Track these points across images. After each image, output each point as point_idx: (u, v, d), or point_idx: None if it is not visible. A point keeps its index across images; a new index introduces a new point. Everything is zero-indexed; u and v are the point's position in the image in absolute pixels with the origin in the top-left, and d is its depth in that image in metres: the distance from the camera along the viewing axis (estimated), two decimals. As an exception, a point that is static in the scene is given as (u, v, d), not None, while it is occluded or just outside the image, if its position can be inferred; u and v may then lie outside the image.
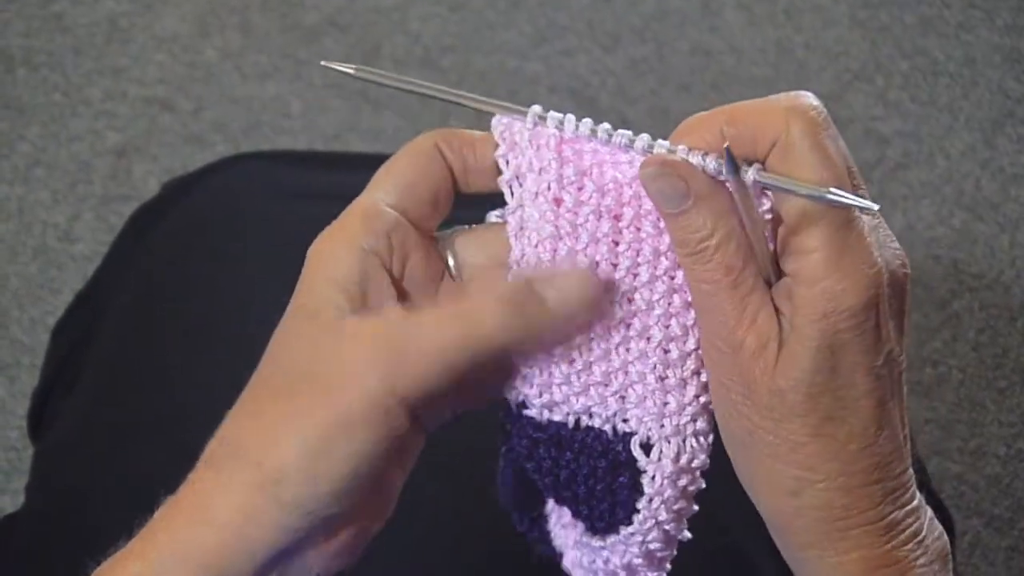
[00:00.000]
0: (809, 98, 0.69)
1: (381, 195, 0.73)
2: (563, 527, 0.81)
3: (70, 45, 2.58)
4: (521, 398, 0.77)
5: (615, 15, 2.69)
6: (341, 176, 1.16)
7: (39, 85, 2.53)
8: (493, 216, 0.78)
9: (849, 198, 0.67)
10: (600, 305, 0.72)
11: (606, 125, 0.73)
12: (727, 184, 0.70)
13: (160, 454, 1.15)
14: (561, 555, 0.83)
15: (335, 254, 0.72)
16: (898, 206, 2.45)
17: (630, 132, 0.72)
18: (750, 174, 0.69)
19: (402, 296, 0.73)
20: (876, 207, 0.67)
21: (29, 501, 1.24)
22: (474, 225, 0.78)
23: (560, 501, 0.79)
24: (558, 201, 0.74)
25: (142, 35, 2.60)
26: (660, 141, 0.71)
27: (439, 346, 0.68)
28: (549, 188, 0.73)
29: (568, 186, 0.73)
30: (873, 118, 2.57)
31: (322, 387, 0.68)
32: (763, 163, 0.69)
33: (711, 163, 0.69)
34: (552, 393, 0.76)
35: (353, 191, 0.75)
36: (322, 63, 0.74)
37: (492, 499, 0.83)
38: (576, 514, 0.79)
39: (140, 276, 1.30)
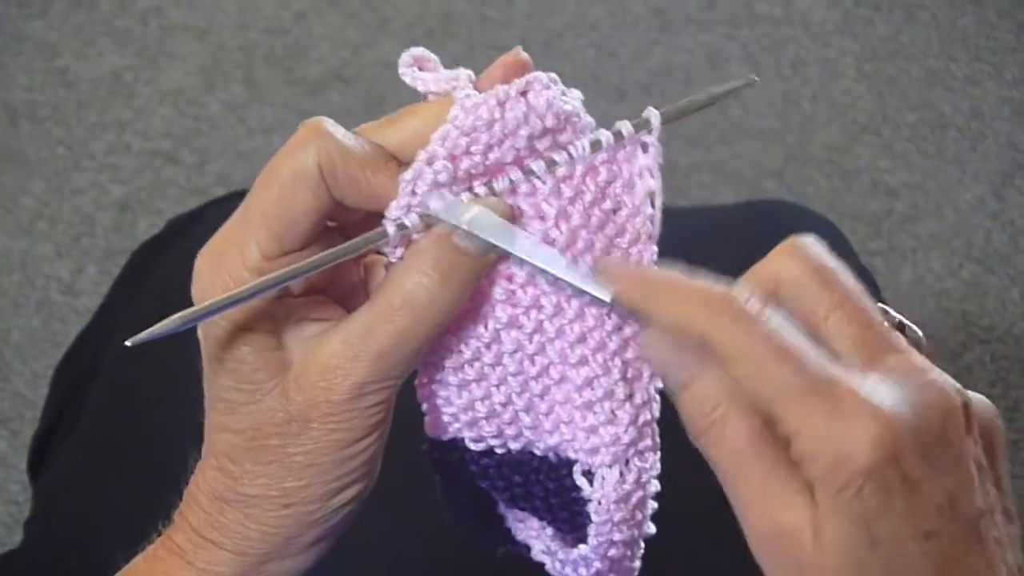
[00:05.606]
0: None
1: (255, 246, 0.69)
2: (530, 536, 0.80)
3: (74, 99, 2.59)
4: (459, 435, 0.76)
5: (620, 69, 2.69)
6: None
7: (43, 139, 2.53)
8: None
9: (725, 85, 0.66)
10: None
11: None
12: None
13: (158, 492, 1.14)
14: (529, 548, 0.81)
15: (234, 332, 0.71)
16: (907, 258, 2.43)
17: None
18: (653, 118, 0.67)
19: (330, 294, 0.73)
20: (755, 78, 0.66)
21: (28, 539, 1.24)
22: None
23: (525, 511, 0.79)
24: None
25: (146, 89, 2.60)
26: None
27: (397, 337, 0.67)
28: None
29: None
30: (881, 170, 2.57)
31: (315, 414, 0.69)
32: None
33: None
34: (486, 441, 0.76)
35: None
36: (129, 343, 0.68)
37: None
38: (542, 520, 0.78)
39: (140, 314, 1.29)
